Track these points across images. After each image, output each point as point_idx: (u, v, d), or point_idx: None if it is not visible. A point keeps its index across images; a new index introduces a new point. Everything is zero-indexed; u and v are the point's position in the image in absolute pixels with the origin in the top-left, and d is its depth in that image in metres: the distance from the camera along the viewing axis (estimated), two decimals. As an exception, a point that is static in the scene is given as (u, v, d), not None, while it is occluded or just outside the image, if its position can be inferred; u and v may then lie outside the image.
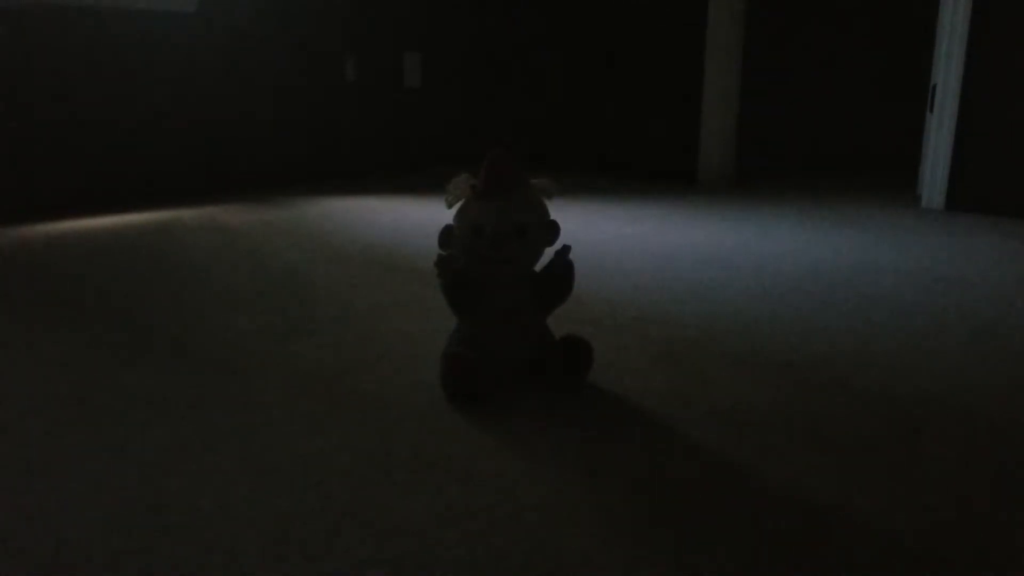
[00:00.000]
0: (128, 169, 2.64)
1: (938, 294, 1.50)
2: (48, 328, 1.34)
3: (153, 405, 1.01)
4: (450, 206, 1.00)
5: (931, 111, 2.46)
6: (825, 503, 0.77)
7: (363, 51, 3.18)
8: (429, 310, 1.40)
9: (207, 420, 0.96)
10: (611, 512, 0.75)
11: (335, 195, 2.79)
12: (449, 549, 0.69)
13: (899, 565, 0.67)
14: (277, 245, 1.98)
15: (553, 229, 1.01)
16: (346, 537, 0.71)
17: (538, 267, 1.03)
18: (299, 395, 1.04)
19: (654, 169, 3.11)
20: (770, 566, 0.67)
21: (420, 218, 2.34)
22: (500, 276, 0.99)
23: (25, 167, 2.42)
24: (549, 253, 1.02)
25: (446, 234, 0.99)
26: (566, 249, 1.01)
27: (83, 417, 0.97)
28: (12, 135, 2.38)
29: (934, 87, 2.43)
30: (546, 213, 1.00)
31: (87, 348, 1.23)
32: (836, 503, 0.76)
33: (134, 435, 0.92)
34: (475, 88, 3.58)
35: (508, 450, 0.88)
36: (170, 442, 0.90)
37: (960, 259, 1.78)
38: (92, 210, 2.49)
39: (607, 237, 2.04)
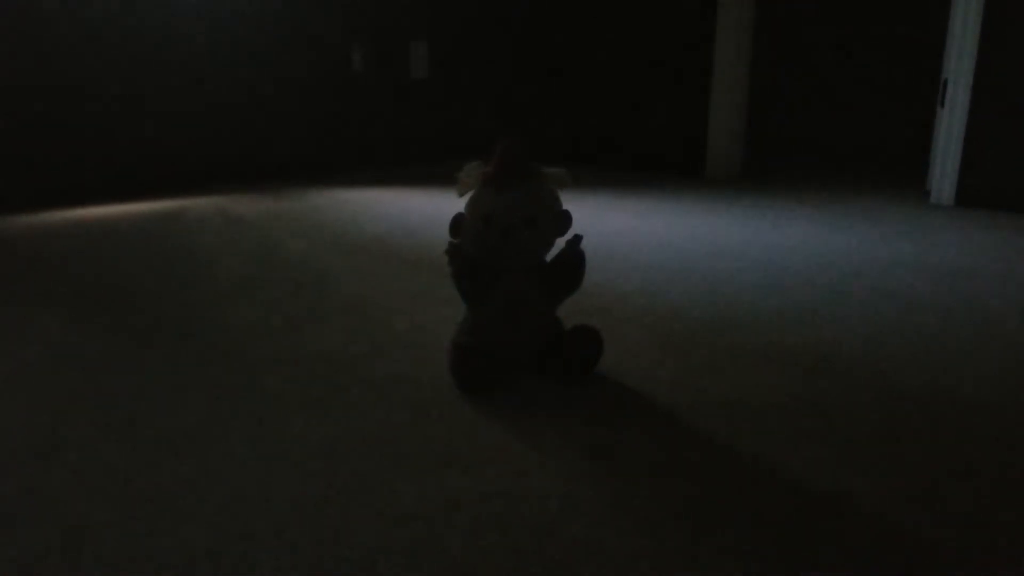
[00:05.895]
0: (136, 158, 2.64)
1: (947, 288, 1.49)
2: (58, 316, 1.34)
3: (162, 392, 1.01)
4: (461, 195, 1.00)
5: (942, 106, 2.45)
6: (833, 493, 0.76)
7: (369, 41, 3.17)
8: (437, 300, 1.40)
9: (216, 407, 0.97)
10: (619, 500, 0.75)
11: (342, 186, 2.79)
12: (459, 536, 0.69)
13: (908, 555, 0.67)
14: (284, 235, 1.98)
15: (564, 219, 1.01)
16: (355, 523, 0.71)
17: (549, 257, 1.03)
18: (308, 383, 1.04)
19: (662, 162, 3.10)
20: (778, 555, 0.67)
21: (428, 209, 2.34)
22: (510, 265, 0.99)
23: (34, 155, 2.42)
24: (560, 243, 1.02)
25: (457, 222, 0.99)
26: (577, 239, 1.00)
27: (93, 403, 0.98)
28: (21, 124, 2.38)
29: (945, 81, 2.42)
30: (558, 203, 1.00)
31: (97, 336, 1.24)
32: (844, 493, 0.76)
33: (143, 422, 0.93)
34: (482, 79, 3.57)
35: (517, 439, 0.88)
36: (179, 429, 0.91)
37: (970, 254, 1.77)
38: (99, 199, 2.50)
39: (616, 229, 2.04)
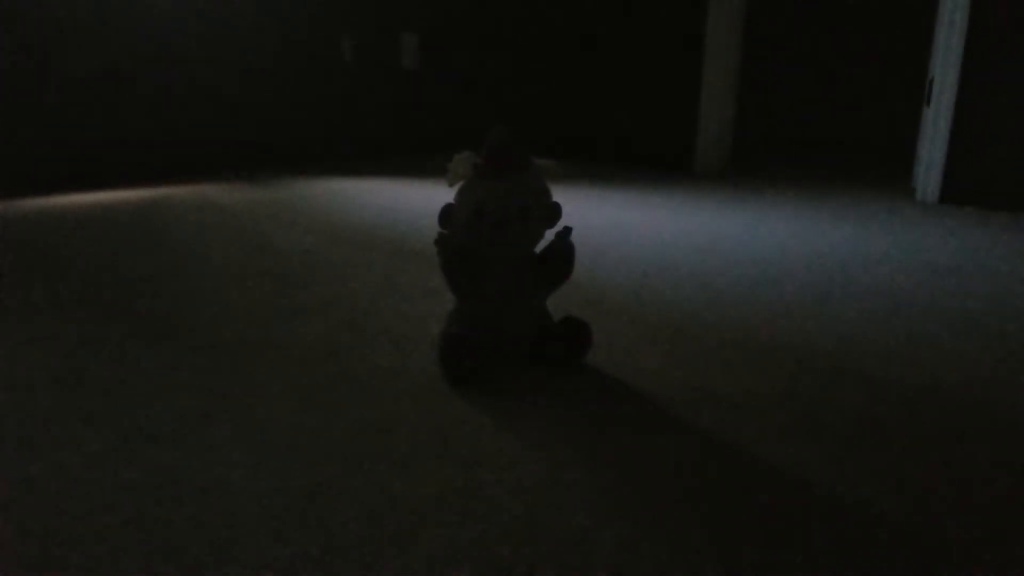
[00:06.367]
0: (121, 145, 2.61)
1: (931, 285, 1.51)
2: (42, 304, 1.33)
3: (145, 382, 1.00)
4: (451, 185, 0.99)
5: (928, 104, 2.47)
6: (821, 486, 0.77)
7: (360, 32, 3.15)
8: (427, 291, 1.39)
9: (203, 397, 0.96)
10: (608, 491, 0.76)
11: (332, 176, 2.77)
12: (447, 526, 0.69)
13: (895, 547, 0.68)
14: (272, 225, 1.97)
15: (555, 211, 1.01)
16: (343, 513, 0.71)
17: (538, 248, 1.03)
18: (295, 373, 1.04)
19: (652, 156, 3.11)
20: (766, 547, 0.67)
21: (418, 200, 2.33)
22: (501, 256, 0.99)
23: (18, 142, 2.39)
24: (549, 235, 1.02)
25: (447, 213, 0.99)
26: (567, 231, 1.00)
27: (74, 392, 0.97)
28: (5, 110, 2.35)
29: (931, 80, 2.44)
30: (548, 194, 1.00)
31: (81, 325, 1.23)
32: (831, 486, 0.77)
33: (126, 411, 0.92)
34: (473, 71, 3.56)
35: (505, 429, 0.88)
36: (166, 418, 0.90)
37: (953, 251, 1.79)
38: (84, 186, 2.47)
39: (604, 222, 2.04)
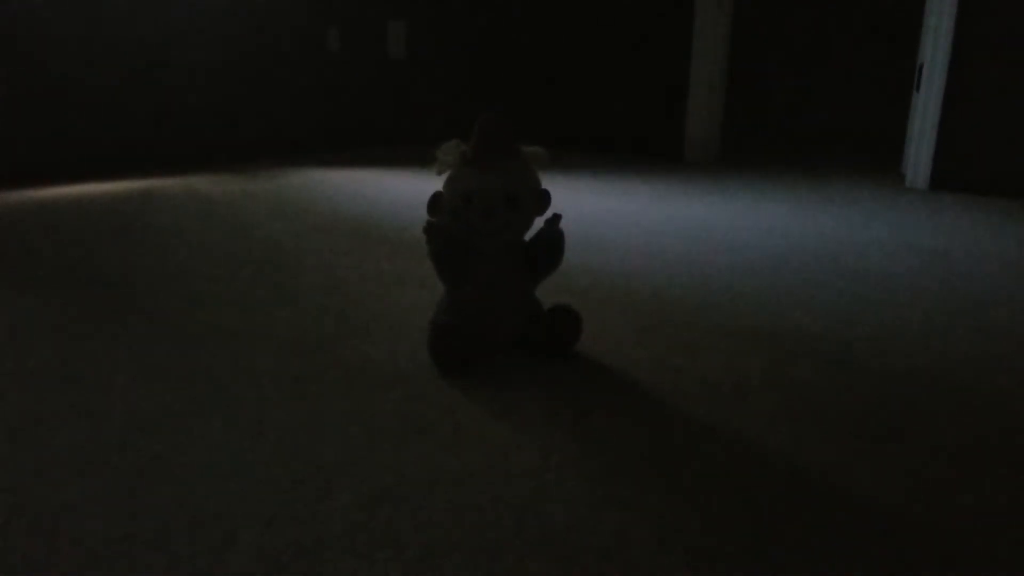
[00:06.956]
0: (107, 137, 2.59)
1: (922, 270, 1.51)
2: (29, 295, 1.32)
3: (136, 372, 1.00)
4: (439, 173, 0.99)
5: (917, 90, 2.47)
6: (815, 471, 0.77)
7: (346, 20, 3.13)
8: (415, 280, 1.39)
9: (191, 386, 0.95)
10: (599, 479, 0.75)
11: (318, 167, 2.76)
12: (438, 514, 0.69)
13: (890, 532, 0.68)
14: (260, 215, 1.96)
15: (544, 198, 1.00)
16: (334, 502, 0.71)
17: (528, 236, 1.02)
18: (284, 363, 1.03)
19: (641, 145, 3.11)
20: (760, 534, 0.67)
21: (405, 190, 2.32)
22: (490, 244, 0.99)
23: (4, 134, 2.37)
24: (539, 222, 1.02)
25: (435, 201, 0.98)
26: (556, 218, 1.00)
27: (65, 383, 0.96)
28: (-13, 100, 2.33)
29: (921, 66, 2.44)
30: (537, 182, 0.99)
31: (68, 315, 1.22)
32: (826, 472, 0.77)
33: (117, 401, 0.91)
34: (461, 59, 3.54)
35: (496, 418, 0.88)
36: (153, 408, 0.89)
37: (944, 236, 1.79)
38: (71, 178, 2.45)
39: (595, 211, 2.04)
